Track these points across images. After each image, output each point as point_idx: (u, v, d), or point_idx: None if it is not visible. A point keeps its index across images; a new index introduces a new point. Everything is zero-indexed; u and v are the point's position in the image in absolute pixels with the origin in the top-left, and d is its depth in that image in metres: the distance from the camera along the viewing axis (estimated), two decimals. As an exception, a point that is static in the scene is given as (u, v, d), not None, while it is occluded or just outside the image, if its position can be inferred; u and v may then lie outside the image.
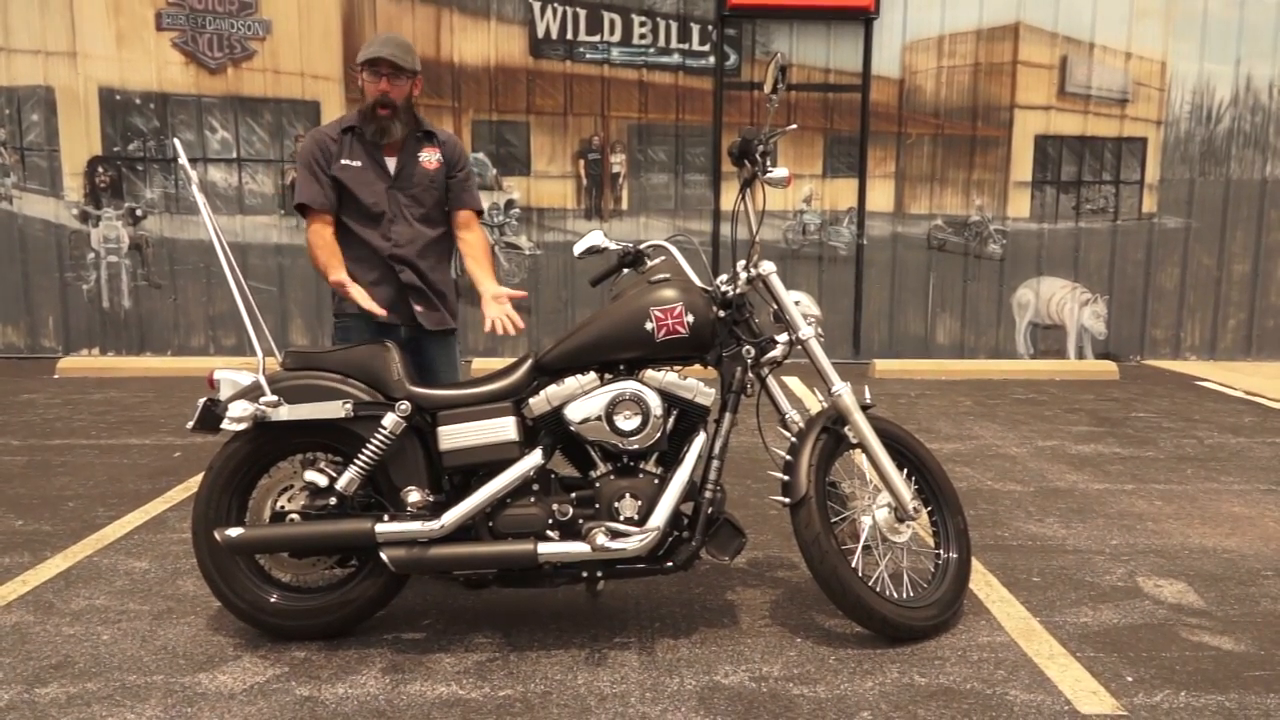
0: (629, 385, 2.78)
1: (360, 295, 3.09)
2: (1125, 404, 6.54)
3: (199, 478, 2.89)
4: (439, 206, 3.33)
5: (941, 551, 3.06)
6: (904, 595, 2.98)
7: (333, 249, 3.20)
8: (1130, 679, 2.69)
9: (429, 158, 3.26)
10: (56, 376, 7.20)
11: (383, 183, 3.22)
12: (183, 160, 2.92)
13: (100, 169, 7.77)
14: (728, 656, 2.78)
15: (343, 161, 3.20)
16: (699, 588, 3.27)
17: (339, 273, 3.13)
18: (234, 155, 7.79)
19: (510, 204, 7.84)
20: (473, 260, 3.30)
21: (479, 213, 3.40)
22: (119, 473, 4.66)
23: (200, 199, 2.91)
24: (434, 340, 3.35)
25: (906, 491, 2.93)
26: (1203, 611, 3.14)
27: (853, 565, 2.84)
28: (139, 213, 7.83)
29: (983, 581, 3.35)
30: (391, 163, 3.24)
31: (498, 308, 3.11)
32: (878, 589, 2.88)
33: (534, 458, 2.79)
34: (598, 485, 2.81)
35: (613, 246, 3.10)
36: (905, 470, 3.01)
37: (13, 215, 7.77)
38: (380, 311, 3.11)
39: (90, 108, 7.69)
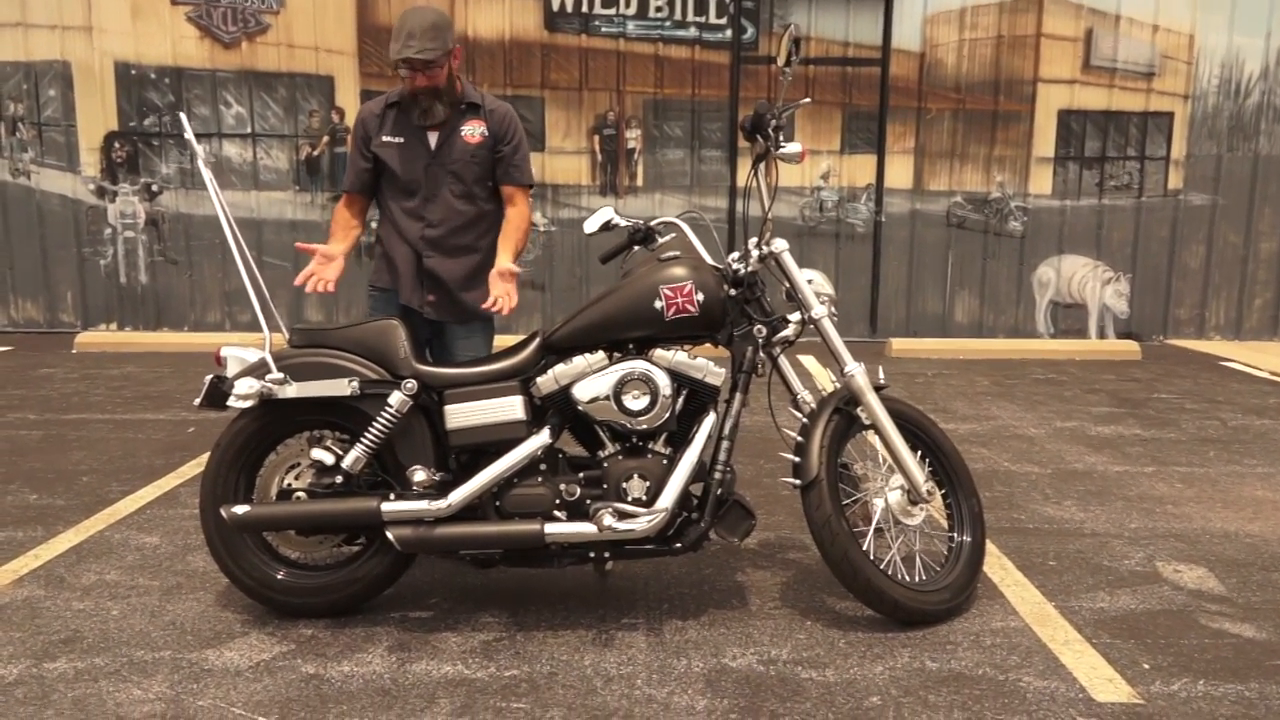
0: (638, 364, 2.74)
1: (308, 274, 3.12)
2: (1147, 385, 6.44)
3: (209, 454, 2.88)
4: (482, 182, 3.23)
5: (955, 534, 3.01)
6: (916, 578, 2.93)
7: (347, 225, 3.28)
8: (1147, 666, 2.64)
9: (471, 131, 3.18)
10: (74, 351, 7.24)
11: (423, 159, 3.17)
12: (189, 135, 2.89)
13: (117, 144, 7.77)
14: (736, 639, 2.76)
15: (384, 138, 3.17)
16: (708, 569, 3.25)
17: (334, 247, 3.20)
18: (248, 130, 7.77)
19: (525, 180, 7.79)
20: (504, 235, 3.23)
21: (528, 187, 3.30)
22: (133, 447, 4.68)
23: (207, 174, 2.88)
24: (457, 326, 3.30)
25: (920, 474, 2.88)
26: (1223, 598, 3.08)
27: (864, 548, 2.80)
28: (155, 188, 7.84)
29: (997, 565, 3.30)
30: (433, 138, 3.17)
31: (501, 285, 3.09)
32: (889, 572, 2.84)
33: (541, 437, 2.76)
34: (606, 465, 2.77)
35: (624, 223, 3.06)
36: (919, 452, 2.97)
37: (30, 190, 7.80)
38: (314, 288, 3.12)
39: (106, 83, 7.68)
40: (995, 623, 2.88)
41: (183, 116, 3.18)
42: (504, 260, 3.15)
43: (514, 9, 7.65)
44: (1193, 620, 2.92)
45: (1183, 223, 8.02)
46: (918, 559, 2.99)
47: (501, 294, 3.07)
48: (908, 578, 2.91)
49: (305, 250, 3.15)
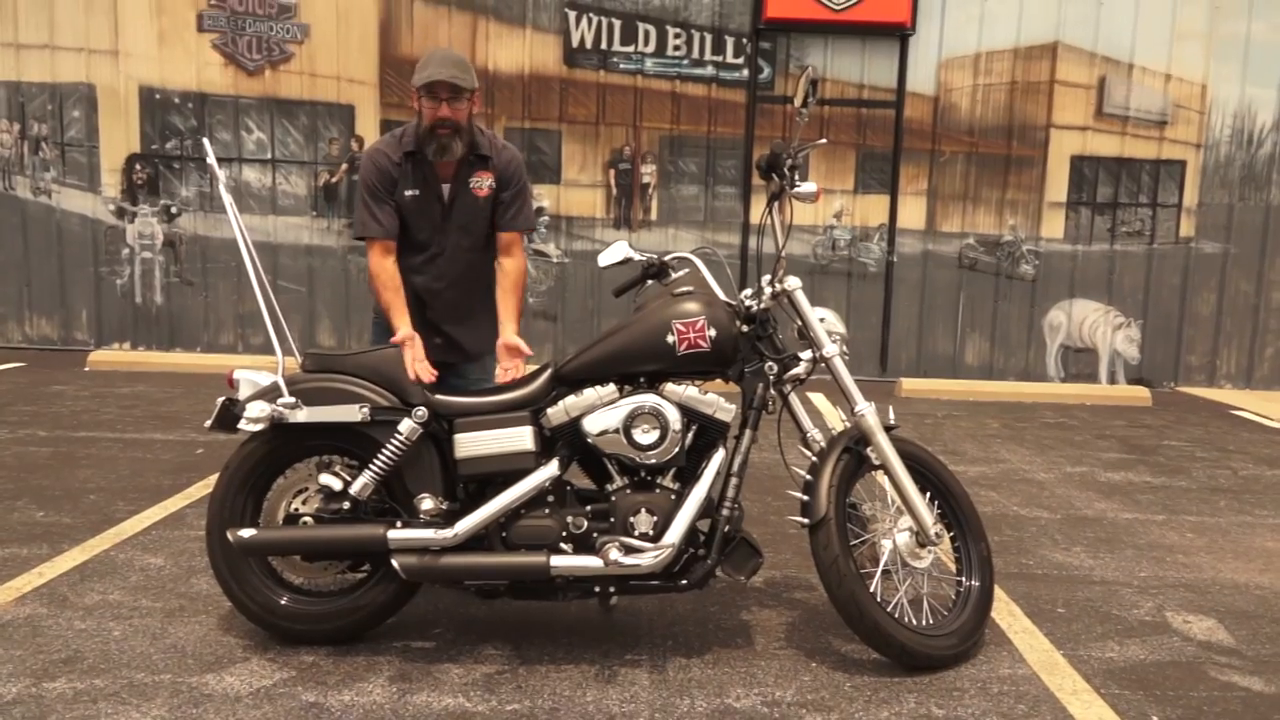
0: (648, 399, 2.74)
1: (413, 362, 2.85)
2: (1157, 431, 6.40)
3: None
4: (486, 232, 3.25)
5: (963, 578, 2.98)
6: (923, 622, 2.90)
7: (397, 289, 3.09)
8: (1156, 718, 2.60)
9: (480, 184, 3.17)
10: (87, 369, 7.29)
11: (437, 214, 3.17)
12: (211, 160, 2.93)
13: (138, 166, 7.88)
14: (740, 679, 2.73)
15: (406, 193, 3.14)
16: (714, 606, 3.22)
17: (405, 326, 3.00)
18: (269, 156, 7.87)
19: (540, 211, 7.85)
20: (502, 291, 3.19)
21: (529, 232, 3.26)
22: (141, 467, 4.69)
23: (227, 199, 2.91)
24: (466, 364, 3.31)
25: (929, 515, 2.86)
26: (1233, 650, 3.04)
27: (871, 590, 2.77)
28: (174, 210, 7.94)
29: (1005, 611, 3.26)
30: (446, 189, 3.16)
31: (509, 360, 3.03)
32: (896, 615, 2.81)
33: (550, 469, 2.76)
34: (613, 499, 2.77)
35: (638, 257, 3.07)
36: (928, 494, 2.95)
37: (51, 209, 7.90)
38: (428, 377, 2.85)
39: (130, 106, 7.81)
40: (1003, 670, 2.85)
41: (206, 142, 3.22)
42: (509, 332, 3.08)
43: (534, 45, 7.76)
44: (1202, 672, 2.88)
45: (1194, 270, 8.03)
46: (925, 602, 2.96)
47: (511, 368, 3.01)
48: (915, 621, 2.88)
49: (406, 352, 2.89)
